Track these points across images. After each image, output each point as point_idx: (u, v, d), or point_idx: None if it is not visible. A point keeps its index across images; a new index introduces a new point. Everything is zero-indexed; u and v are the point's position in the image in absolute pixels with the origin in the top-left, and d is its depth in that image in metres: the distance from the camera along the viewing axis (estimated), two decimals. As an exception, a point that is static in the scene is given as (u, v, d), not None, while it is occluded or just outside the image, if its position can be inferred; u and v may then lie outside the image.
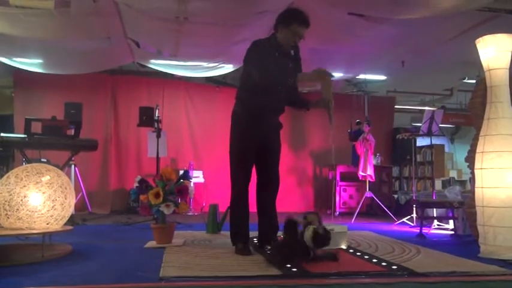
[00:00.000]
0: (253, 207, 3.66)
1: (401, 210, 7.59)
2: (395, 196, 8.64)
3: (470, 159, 4.30)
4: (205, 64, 7.11)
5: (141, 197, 3.83)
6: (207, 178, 8.26)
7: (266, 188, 3.65)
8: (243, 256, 3.33)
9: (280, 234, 3.49)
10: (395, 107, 10.42)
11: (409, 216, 6.20)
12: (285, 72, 3.51)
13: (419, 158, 9.70)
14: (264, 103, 3.47)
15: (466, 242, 4.47)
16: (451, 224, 5.26)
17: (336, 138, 8.79)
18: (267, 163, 3.63)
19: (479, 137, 3.68)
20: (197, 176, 8.07)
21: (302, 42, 3.59)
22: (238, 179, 3.53)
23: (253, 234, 3.70)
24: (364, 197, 7.18)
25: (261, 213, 3.67)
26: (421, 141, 9.19)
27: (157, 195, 3.75)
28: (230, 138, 3.60)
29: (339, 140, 8.77)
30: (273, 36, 3.55)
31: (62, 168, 4.64)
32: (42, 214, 3.28)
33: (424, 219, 5.37)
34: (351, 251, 3.59)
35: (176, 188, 3.86)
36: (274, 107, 3.58)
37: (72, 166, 6.90)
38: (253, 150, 3.53)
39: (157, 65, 7.25)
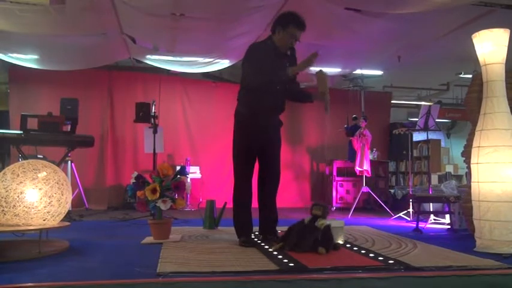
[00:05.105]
0: (254, 202, 3.79)
1: (398, 205, 7.63)
2: (392, 191, 8.68)
3: (467, 154, 4.32)
4: (201, 60, 7.09)
5: (138, 193, 3.83)
6: (204, 174, 8.26)
7: (267, 183, 3.81)
8: (242, 250, 3.40)
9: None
10: (392, 102, 10.43)
11: (405, 211, 6.23)
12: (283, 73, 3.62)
13: (415, 153, 9.75)
14: (264, 103, 3.63)
15: (462, 236, 4.50)
16: (447, 219, 5.29)
17: (333, 133, 8.82)
18: (268, 160, 3.78)
19: (475, 132, 3.70)
20: (194, 172, 8.06)
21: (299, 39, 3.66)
22: (241, 175, 3.70)
23: (255, 228, 3.82)
24: (360, 192, 7.21)
25: (262, 207, 3.82)
26: (418, 136, 9.26)
27: (154, 191, 3.75)
28: (233, 136, 3.77)
29: (335, 136, 8.79)
30: (270, 38, 3.71)
31: (58, 165, 4.63)
32: (39, 210, 3.27)
33: (421, 214, 5.40)
34: (348, 245, 3.60)
35: (173, 184, 3.85)
36: (275, 106, 3.74)
37: (69, 162, 6.89)
38: (255, 148, 3.71)
39: (154, 60, 7.23)
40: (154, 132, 6.35)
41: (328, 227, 3.33)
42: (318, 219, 3.37)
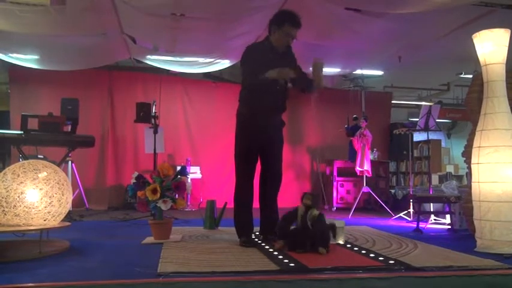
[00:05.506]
0: (255, 202, 3.80)
1: (399, 205, 7.63)
2: (393, 191, 8.68)
3: (467, 154, 4.32)
4: (201, 60, 7.09)
5: (139, 193, 3.83)
6: (204, 174, 8.26)
7: (268, 183, 3.81)
8: (242, 250, 3.41)
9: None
10: (392, 102, 10.43)
11: (406, 211, 6.22)
12: None
13: (416, 153, 9.75)
14: (263, 103, 3.63)
15: (462, 236, 4.50)
16: (447, 219, 5.28)
17: (333, 133, 8.82)
18: (269, 160, 3.80)
19: (476, 132, 3.70)
20: (194, 172, 8.06)
21: (298, 38, 3.68)
22: (242, 175, 3.72)
23: (256, 228, 3.84)
24: (361, 192, 7.20)
25: (263, 207, 3.83)
26: (418, 136, 9.25)
27: (154, 191, 3.76)
28: (235, 137, 3.77)
29: (335, 136, 8.79)
30: (267, 38, 3.74)
31: (58, 165, 4.63)
32: (39, 210, 3.27)
33: (421, 214, 5.39)
34: (348, 246, 3.60)
35: (173, 184, 3.86)
36: (275, 106, 3.75)
37: (69, 162, 6.89)
38: (256, 148, 3.71)
39: (154, 61, 7.23)
40: (155, 132, 6.35)
41: (320, 217, 3.34)
42: (310, 210, 3.36)
